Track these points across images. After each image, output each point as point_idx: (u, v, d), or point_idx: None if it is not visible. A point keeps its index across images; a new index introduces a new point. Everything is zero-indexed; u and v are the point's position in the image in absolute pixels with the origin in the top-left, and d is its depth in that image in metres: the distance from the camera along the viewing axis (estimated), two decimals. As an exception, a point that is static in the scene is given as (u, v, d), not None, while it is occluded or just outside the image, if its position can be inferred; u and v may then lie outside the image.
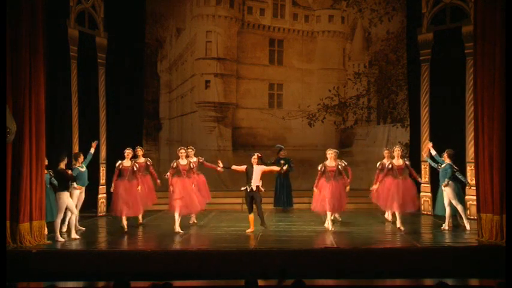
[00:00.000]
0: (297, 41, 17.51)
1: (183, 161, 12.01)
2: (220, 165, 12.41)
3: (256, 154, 11.91)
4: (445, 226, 11.90)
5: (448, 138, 13.62)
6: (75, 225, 11.68)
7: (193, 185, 12.09)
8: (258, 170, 11.66)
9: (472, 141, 11.56)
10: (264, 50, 17.49)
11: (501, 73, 10.08)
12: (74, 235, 11.16)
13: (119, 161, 12.09)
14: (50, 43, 12.15)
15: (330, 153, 11.96)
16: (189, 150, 12.63)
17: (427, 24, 14.43)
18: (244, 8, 17.37)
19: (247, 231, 11.63)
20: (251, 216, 11.74)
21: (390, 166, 11.90)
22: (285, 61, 17.53)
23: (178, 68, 17.42)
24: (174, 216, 11.77)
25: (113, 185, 12.00)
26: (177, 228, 11.66)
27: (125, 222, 11.91)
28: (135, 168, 12.02)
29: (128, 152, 12.10)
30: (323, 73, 17.43)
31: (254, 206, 11.67)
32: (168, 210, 12.30)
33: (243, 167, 11.81)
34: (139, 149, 12.83)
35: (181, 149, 12.21)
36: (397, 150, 12.01)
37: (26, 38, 10.28)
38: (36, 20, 10.47)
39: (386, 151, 12.69)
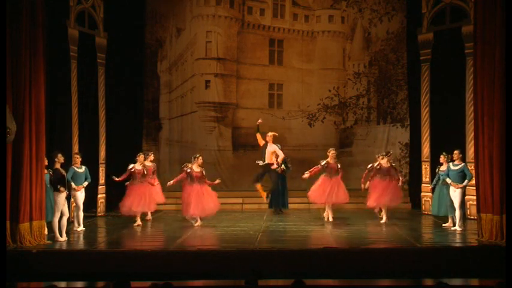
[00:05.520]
0: (297, 41, 17.49)
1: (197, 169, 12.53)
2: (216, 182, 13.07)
3: (272, 133, 13.65)
4: (448, 224, 11.91)
5: (448, 138, 13.62)
6: (77, 225, 11.87)
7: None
8: (270, 148, 13.49)
9: (472, 141, 11.56)
10: (264, 50, 17.46)
11: (501, 73, 10.08)
12: (64, 237, 10.93)
13: (132, 165, 12.65)
14: (50, 43, 12.12)
15: (333, 153, 13.13)
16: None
17: (427, 24, 14.42)
18: (244, 8, 17.35)
19: (264, 197, 13.55)
20: (259, 185, 13.38)
21: (379, 167, 12.79)
22: (285, 61, 17.49)
23: (178, 68, 17.40)
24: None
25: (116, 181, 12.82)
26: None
27: (138, 220, 12.61)
28: (145, 172, 12.74)
29: (140, 158, 12.82)
30: (323, 73, 17.41)
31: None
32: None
33: (262, 142, 13.71)
34: (151, 155, 13.68)
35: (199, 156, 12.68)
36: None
37: (26, 38, 10.26)
38: (36, 20, 10.46)
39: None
